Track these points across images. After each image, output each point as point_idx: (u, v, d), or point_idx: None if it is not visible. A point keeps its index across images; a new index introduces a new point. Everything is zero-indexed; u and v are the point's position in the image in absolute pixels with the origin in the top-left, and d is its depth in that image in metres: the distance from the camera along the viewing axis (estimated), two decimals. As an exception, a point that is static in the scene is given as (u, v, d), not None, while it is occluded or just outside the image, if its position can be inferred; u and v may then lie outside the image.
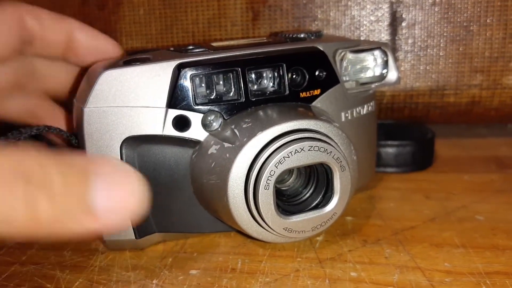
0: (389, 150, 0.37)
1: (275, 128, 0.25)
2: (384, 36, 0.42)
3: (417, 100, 0.43)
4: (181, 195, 0.27)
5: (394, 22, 0.41)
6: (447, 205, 0.32)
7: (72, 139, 0.28)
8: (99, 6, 0.45)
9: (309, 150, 0.25)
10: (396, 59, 0.32)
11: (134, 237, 0.27)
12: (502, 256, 0.26)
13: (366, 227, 0.30)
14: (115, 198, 0.19)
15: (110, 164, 0.19)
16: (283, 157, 0.24)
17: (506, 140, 0.43)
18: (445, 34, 0.41)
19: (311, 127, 0.26)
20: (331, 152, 0.25)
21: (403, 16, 0.41)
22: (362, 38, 0.42)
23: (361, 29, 0.42)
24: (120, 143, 0.26)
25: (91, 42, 0.31)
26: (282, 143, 0.25)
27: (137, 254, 0.28)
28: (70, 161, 0.19)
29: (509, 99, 0.42)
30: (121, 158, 0.26)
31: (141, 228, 0.27)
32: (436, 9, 0.41)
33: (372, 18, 0.42)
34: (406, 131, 0.41)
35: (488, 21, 0.41)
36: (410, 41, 0.42)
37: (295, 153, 0.25)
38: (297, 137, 0.25)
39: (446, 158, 0.40)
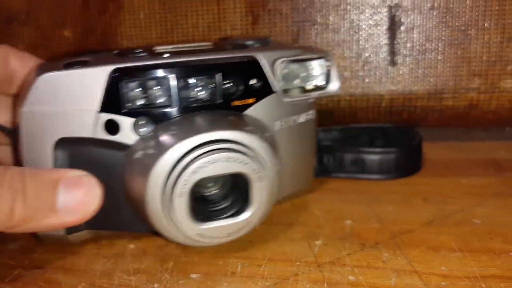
0: (373, 157, 0.37)
1: (195, 138, 0.26)
2: (383, 40, 0.42)
3: (416, 104, 0.43)
4: (111, 196, 0.27)
5: (393, 26, 0.42)
6: (445, 209, 0.32)
7: (12, 134, 0.29)
8: (100, 10, 0.45)
9: (225, 161, 0.26)
10: (337, 67, 0.31)
11: (64, 233, 0.29)
12: (498, 260, 0.26)
13: (365, 230, 0.30)
14: (74, 201, 0.25)
15: (71, 174, 0.25)
16: (199, 166, 0.25)
17: (504, 143, 0.44)
18: (443, 38, 0.42)
19: (232, 138, 0.26)
20: (248, 163, 0.26)
21: (402, 20, 0.42)
22: (361, 42, 0.42)
23: (360, 33, 0.42)
24: (53, 144, 0.27)
25: (21, 65, 0.31)
26: (200, 153, 0.25)
27: (138, 257, 0.28)
28: (41, 174, 0.25)
29: (506, 102, 0.42)
30: (54, 159, 0.27)
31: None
32: (434, 13, 0.41)
33: (371, 22, 0.42)
34: (394, 136, 0.41)
35: (486, 25, 0.41)
36: (408, 45, 0.42)
37: (210, 163, 0.26)
38: (216, 148, 0.26)
39: (444, 161, 0.41)
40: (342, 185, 0.37)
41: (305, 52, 0.31)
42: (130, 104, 0.27)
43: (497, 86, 0.42)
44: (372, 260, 0.27)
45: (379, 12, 0.42)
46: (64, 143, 0.27)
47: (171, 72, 0.27)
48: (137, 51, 0.29)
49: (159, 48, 0.30)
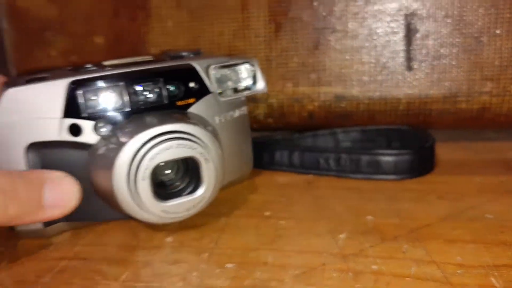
0: (389, 159, 0.39)
1: (150, 130, 0.30)
2: (400, 47, 0.44)
3: (431, 107, 0.45)
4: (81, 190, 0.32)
5: (409, 34, 0.44)
6: (459, 205, 0.34)
7: None
8: (130, 18, 0.48)
9: (176, 147, 0.31)
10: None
11: (41, 227, 0.32)
12: (509, 251, 0.28)
13: (385, 226, 0.32)
14: (57, 198, 0.30)
15: (54, 176, 0.30)
16: (155, 153, 0.30)
17: (515, 144, 0.46)
18: (457, 44, 0.44)
19: (180, 129, 0.31)
20: (196, 148, 0.31)
21: (417, 27, 0.44)
22: (378, 48, 0.45)
23: (378, 40, 0.45)
24: (25, 149, 0.31)
25: None
26: (155, 142, 0.30)
27: (176, 249, 0.31)
28: (28, 175, 0.29)
29: (518, 105, 0.44)
30: (27, 161, 0.31)
31: None
32: (448, 21, 0.43)
33: (387, 29, 0.44)
34: (409, 138, 0.43)
35: (497, 32, 0.43)
36: (424, 51, 0.44)
37: (164, 150, 0.30)
38: (167, 137, 0.31)
39: (457, 161, 0.43)
40: (360, 184, 0.39)
41: (232, 59, 0.37)
42: (88, 109, 0.32)
43: (508, 90, 0.44)
44: (393, 251, 0.29)
45: (395, 20, 0.44)
46: (34, 147, 0.31)
47: (121, 80, 0.32)
48: (88, 66, 0.34)
49: (108, 63, 0.35)
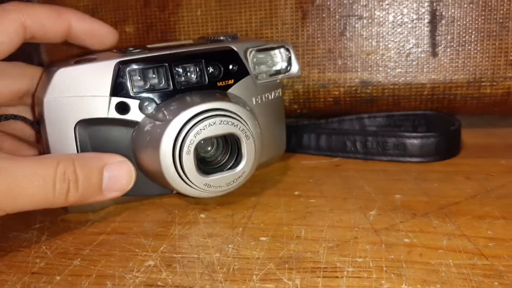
0: (414, 141, 0.40)
1: (193, 108, 0.32)
2: (425, 33, 0.45)
3: (456, 92, 0.45)
4: None
5: (434, 20, 0.44)
6: (487, 185, 0.35)
7: (35, 125, 0.34)
8: (160, 8, 0.49)
9: (219, 124, 0.32)
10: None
11: None
12: (539, 226, 0.29)
13: (414, 203, 0.33)
14: (116, 182, 0.31)
15: (114, 160, 0.31)
16: (200, 129, 0.32)
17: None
18: (481, 30, 0.44)
19: (222, 107, 0.33)
20: (237, 125, 0.33)
21: (443, 14, 0.44)
22: (404, 35, 0.45)
23: (403, 26, 0.45)
24: (74, 126, 0.32)
25: (88, 28, 0.36)
26: (199, 119, 0.32)
27: (210, 224, 0.32)
28: (88, 161, 0.30)
29: (542, 90, 0.44)
30: (75, 138, 0.32)
31: None
32: (473, 7, 0.44)
33: (413, 16, 0.45)
34: (435, 122, 0.44)
35: (523, 17, 0.43)
36: (449, 37, 0.44)
37: (208, 126, 0.32)
38: (211, 114, 0.32)
39: (482, 145, 0.43)
40: (387, 166, 0.40)
41: (268, 43, 0.39)
42: (135, 88, 0.33)
43: (533, 75, 0.44)
44: (423, 226, 0.29)
45: (421, 6, 0.45)
46: (83, 124, 0.32)
47: (165, 61, 0.33)
48: (130, 48, 0.35)
49: (151, 46, 0.36)
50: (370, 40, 0.46)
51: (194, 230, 0.31)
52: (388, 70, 0.46)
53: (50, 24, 0.34)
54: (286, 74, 0.39)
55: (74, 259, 0.28)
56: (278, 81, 0.39)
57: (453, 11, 0.44)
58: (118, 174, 0.31)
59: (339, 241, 0.28)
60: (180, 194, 0.35)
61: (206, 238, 0.30)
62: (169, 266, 0.27)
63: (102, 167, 0.30)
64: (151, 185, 0.35)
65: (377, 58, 0.46)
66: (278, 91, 0.40)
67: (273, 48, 0.38)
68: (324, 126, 0.46)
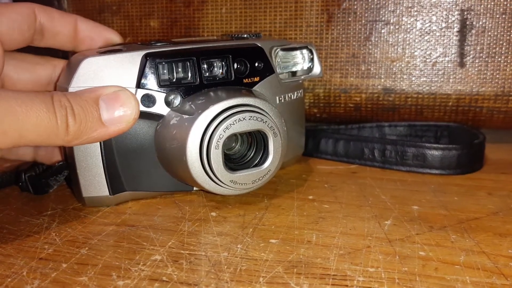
0: (435, 153, 0.39)
1: (223, 103, 0.31)
2: (453, 42, 0.44)
3: (482, 104, 0.44)
4: (147, 160, 0.33)
5: (464, 29, 0.43)
6: (510, 202, 0.33)
7: None
8: (185, 4, 0.49)
9: (249, 119, 0.32)
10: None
11: (108, 194, 0.33)
12: None
13: (432, 215, 0.32)
14: (116, 113, 0.29)
15: (108, 90, 0.29)
16: (229, 124, 0.31)
17: None
18: (513, 42, 0.43)
19: (251, 103, 0.32)
20: (266, 121, 0.32)
21: (473, 23, 0.43)
22: (431, 43, 0.44)
23: (431, 34, 0.44)
24: None
25: (93, 27, 0.36)
26: (228, 114, 0.31)
27: (220, 223, 0.31)
28: (81, 93, 0.29)
29: None
30: None
31: (114, 187, 0.33)
32: (505, 18, 0.42)
33: (442, 24, 0.44)
34: (458, 135, 0.42)
35: (557, 31, 0.42)
36: (478, 47, 0.43)
37: (238, 121, 0.31)
38: (240, 110, 0.32)
39: (507, 161, 0.42)
40: (405, 177, 0.39)
41: (292, 43, 0.38)
42: (161, 81, 0.32)
43: None
44: (440, 240, 0.28)
45: (450, 14, 0.43)
46: None
47: (193, 55, 0.33)
48: (153, 42, 0.34)
49: (176, 40, 0.36)
50: (395, 47, 0.45)
51: (204, 227, 0.31)
52: (413, 79, 0.45)
53: (59, 17, 0.35)
54: (309, 75, 0.39)
55: (81, 248, 0.28)
56: (300, 81, 0.39)
57: (484, 21, 0.43)
58: (116, 102, 0.29)
59: (351, 248, 0.28)
60: (199, 191, 0.34)
61: (215, 236, 0.29)
62: (175, 261, 0.27)
63: (96, 98, 0.29)
64: (171, 181, 0.34)
65: (402, 65, 0.45)
66: (300, 91, 0.39)
67: (296, 48, 0.38)
68: (343, 132, 0.45)
